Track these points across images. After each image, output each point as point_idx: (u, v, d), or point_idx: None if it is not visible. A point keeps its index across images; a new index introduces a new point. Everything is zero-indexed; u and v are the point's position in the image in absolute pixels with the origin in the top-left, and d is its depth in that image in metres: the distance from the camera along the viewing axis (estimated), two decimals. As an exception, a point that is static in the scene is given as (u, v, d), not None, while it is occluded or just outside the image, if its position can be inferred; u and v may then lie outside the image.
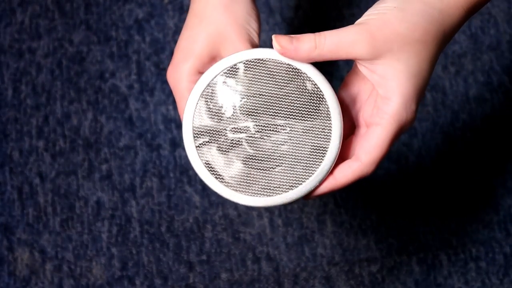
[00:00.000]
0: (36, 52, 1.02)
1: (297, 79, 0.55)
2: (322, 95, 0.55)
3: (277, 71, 0.55)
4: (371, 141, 0.54)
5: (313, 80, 0.55)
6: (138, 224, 0.95)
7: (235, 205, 0.95)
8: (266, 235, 0.95)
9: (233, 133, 0.55)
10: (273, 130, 0.55)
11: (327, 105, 0.55)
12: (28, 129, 0.98)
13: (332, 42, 0.52)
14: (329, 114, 0.55)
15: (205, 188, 0.96)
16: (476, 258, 0.94)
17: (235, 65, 0.55)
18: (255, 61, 0.55)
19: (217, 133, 0.55)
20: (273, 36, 0.53)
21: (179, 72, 0.59)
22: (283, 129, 0.55)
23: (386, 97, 0.53)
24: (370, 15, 0.53)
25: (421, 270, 0.94)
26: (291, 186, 0.55)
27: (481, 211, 0.96)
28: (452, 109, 1.00)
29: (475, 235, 0.95)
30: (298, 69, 0.55)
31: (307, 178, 0.55)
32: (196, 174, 0.96)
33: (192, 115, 0.55)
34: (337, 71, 1.00)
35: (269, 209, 0.95)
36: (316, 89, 0.55)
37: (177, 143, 0.97)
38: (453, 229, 0.95)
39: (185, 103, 0.57)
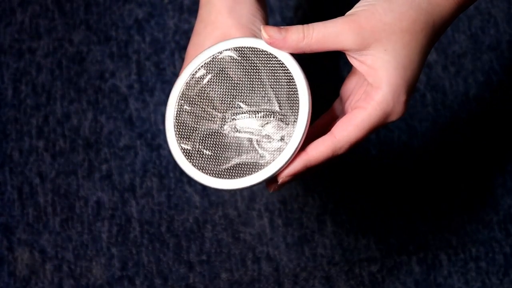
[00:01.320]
0: (36, 52, 1.02)
1: (270, 66, 0.56)
2: (292, 78, 0.55)
3: (256, 59, 0.56)
4: (351, 120, 0.53)
5: (283, 64, 0.55)
6: (138, 224, 0.95)
7: (235, 205, 0.95)
8: (266, 235, 0.94)
9: (209, 120, 0.55)
10: (246, 116, 0.55)
11: (296, 89, 0.55)
12: (28, 129, 0.98)
13: (319, 33, 0.53)
14: (298, 99, 0.55)
15: (205, 188, 0.96)
16: (476, 258, 0.94)
17: (218, 53, 0.56)
18: (235, 49, 0.56)
19: (196, 119, 0.56)
20: (262, 27, 0.54)
21: None
22: (255, 115, 0.55)
23: (376, 86, 0.53)
24: (359, 7, 0.54)
25: (421, 270, 0.94)
26: (258, 168, 0.54)
27: (481, 211, 0.96)
28: (452, 109, 1.00)
29: (475, 235, 0.95)
30: (275, 57, 0.56)
31: (272, 160, 0.54)
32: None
33: (175, 102, 0.57)
34: (337, 72, 1.00)
35: (268, 209, 0.95)
36: (287, 74, 0.55)
37: (177, 143, 0.97)
38: (453, 229, 0.95)
39: None
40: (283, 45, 0.54)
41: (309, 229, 0.95)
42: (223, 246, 0.94)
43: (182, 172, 0.97)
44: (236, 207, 0.95)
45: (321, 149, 0.54)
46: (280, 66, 0.56)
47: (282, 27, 0.54)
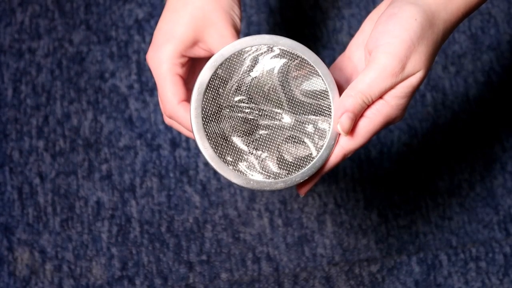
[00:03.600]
0: (36, 52, 1.02)
1: (310, 75, 0.57)
2: (328, 94, 0.56)
3: (295, 64, 0.56)
4: (355, 131, 0.56)
5: (321, 77, 0.56)
6: (138, 224, 0.95)
7: (235, 205, 0.95)
8: (266, 235, 0.95)
9: (238, 112, 0.56)
10: (275, 118, 0.56)
11: (330, 106, 0.56)
12: (28, 129, 0.98)
13: (376, 93, 0.55)
14: (330, 115, 0.56)
15: (205, 188, 0.96)
16: (476, 258, 0.94)
17: (258, 46, 0.56)
18: (277, 49, 0.56)
19: (225, 108, 0.56)
20: (339, 128, 0.55)
21: (161, 54, 0.59)
22: (285, 118, 0.56)
23: (388, 101, 0.56)
24: (393, 32, 0.54)
25: (421, 270, 0.94)
26: (284, 174, 0.56)
27: (481, 211, 0.96)
28: (452, 109, 1.00)
29: (475, 235, 0.95)
30: (313, 67, 0.56)
31: (298, 171, 0.56)
32: (196, 174, 0.96)
33: (206, 84, 0.56)
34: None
35: (268, 209, 0.95)
36: (323, 87, 0.56)
37: (177, 143, 0.97)
38: (453, 229, 0.95)
39: (166, 86, 0.58)
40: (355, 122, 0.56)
41: (309, 229, 0.95)
42: (223, 246, 0.94)
43: (181, 173, 0.96)
44: (236, 207, 0.95)
45: (332, 160, 0.57)
46: (319, 81, 0.57)
47: (349, 111, 0.55)
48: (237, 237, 0.94)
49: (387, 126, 0.57)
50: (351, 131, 0.56)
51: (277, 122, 0.56)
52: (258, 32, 1.01)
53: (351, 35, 1.02)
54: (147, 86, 1.00)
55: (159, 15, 1.03)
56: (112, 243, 0.94)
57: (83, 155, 0.97)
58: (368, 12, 1.02)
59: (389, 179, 0.97)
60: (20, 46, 1.02)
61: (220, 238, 0.94)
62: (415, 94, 1.00)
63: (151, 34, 1.02)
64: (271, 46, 0.56)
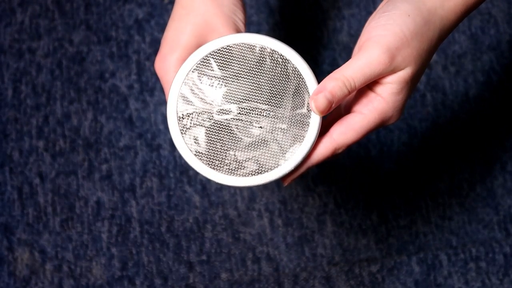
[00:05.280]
0: (36, 52, 1.02)
1: (281, 65, 0.57)
2: (305, 83, 0.56)
3: (263, 56, 0.56)
4: (349, 125, 0.56)
5: (296, 68, 0.56)
6: (138, 224, 0.95)
7: (235, 205, 0.95)
8: (266, 235, 0.95)
9: (216, 114, 0.56)
10: (254, 114, 0.56)
11: (308, 94, 0.56)
12: (28, 129, 0.98)
13: (360, 81, 0.54)
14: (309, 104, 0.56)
15: (205, 188, 0.96)
16: (476, 258, 0.94)
17: (221, 48, 0.56)
18: (241, 45, 0.56)
19: (200, 113, 0.56)
20: (312, 106, 0.54)
21: (167, 63, 0.60)
22: (264, 114, 0.56)
23: (383, 97, 0.55)
24: (385, 26, 0.54)
25: (421, 270, 0.94)
26: (267, 169, 0.56)
27: (481, 211, 0.96)
28: (452, 109, 1.00)
29: (475, 235, 0.95)
30: (283, 56, 0.56)
31: (283, 163, 0.56)
32: (196, 174, 0.96)
33: (177, 92, 0.56)
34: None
35: (268, 209, 0.95)
36: (299, 78, 0.56)
37: (177, 143, 0.97)
38: (453, 229, 0.95)
39: None
40: (333, 106, 0.55)
41: (309, 229, 0.95)
42: (223, 246, 0.94)
43: (181, 173, 0.97)
44: (236, 207, 0.95)
45: (322, 151, 0.56)
46: (294, 71, 0.56)
47: (326, 91, 0.54)
48: (237, 237, 0.94)
49: (382, 125, 0.57)
50: (340, 120, 0.55)
51: (257, 118, 0.56)
52: (258, 32, 1.01)
53: (351, 35, 1.02)
54: (147, 86, 1.00)
55: (159, 15, 1.03)
56: (112, 243, 0.94)
57: (83, 155, 0.97)
58: (368, 12, 1.02)
59: (389, 179, 0.97)
60: (20, 46, 1.02)
61: (220, 238, 0.94)
62: (414, 94, 1.00)
63: (151, 34, 1.02)
64: (244, 44, 0.57)
